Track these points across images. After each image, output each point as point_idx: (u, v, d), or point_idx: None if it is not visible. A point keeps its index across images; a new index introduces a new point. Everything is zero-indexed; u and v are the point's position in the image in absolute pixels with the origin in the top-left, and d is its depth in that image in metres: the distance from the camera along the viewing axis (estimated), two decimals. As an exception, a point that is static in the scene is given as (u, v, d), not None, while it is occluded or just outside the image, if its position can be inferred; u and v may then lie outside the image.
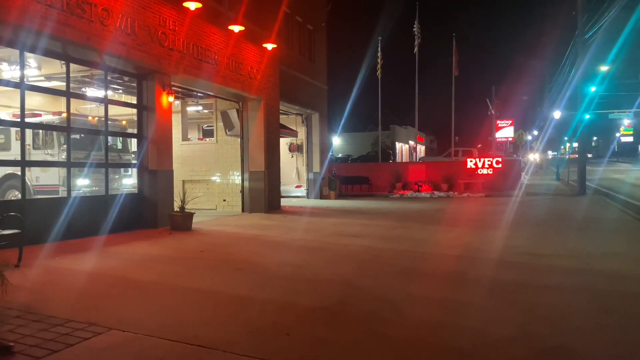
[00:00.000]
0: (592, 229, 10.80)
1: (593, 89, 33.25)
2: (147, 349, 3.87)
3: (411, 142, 53.30)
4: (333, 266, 7.04)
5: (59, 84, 11.17)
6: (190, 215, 10.38)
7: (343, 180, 22.91)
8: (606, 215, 13.00)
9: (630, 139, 77.07)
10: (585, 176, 20.73)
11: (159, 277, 6.24)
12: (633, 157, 79.11)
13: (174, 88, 11.46)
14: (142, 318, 4.59)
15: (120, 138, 12.94)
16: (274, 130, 15.49)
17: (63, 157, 10.51)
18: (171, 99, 10.81)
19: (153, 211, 10.42)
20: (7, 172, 11.09)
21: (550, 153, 76.57)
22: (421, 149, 59.67)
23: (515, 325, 4.46)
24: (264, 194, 14.47)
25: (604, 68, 33.45)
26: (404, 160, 47.68)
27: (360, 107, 45.53)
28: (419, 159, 43.61)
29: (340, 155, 42.17)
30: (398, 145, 50.58)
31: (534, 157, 50.36)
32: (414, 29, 29.47)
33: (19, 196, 9.76)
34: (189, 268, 6.86)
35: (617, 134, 76.55)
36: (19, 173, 9.13)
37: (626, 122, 66.40)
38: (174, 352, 3.82)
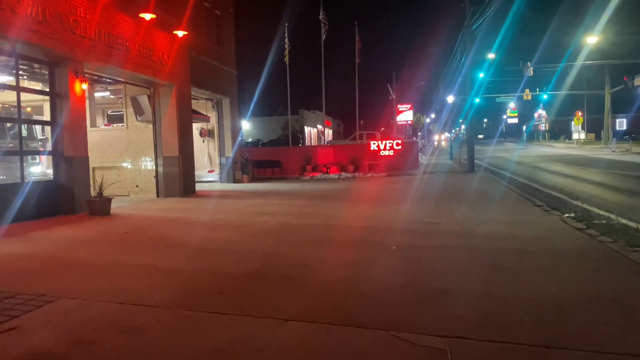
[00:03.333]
0: (476, 200, 12.37)
1: (481, 75, 36.44)
2: (100, 310, 4.46)
3: (319, 126, 54.70)
4: (253, 240, 7.83)
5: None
6: (109, 200, 10.62)
7: (255, 164, 23.55)
8: (489, 189, 14.85)
9: (516, 120, 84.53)
10: (474, 155, 23.03)
11: (91, 256, 6.68)
12: (518, 137, 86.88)
13: (86, 75, 11.48)
14: (86, 288, 5.11)
15: (25, 125, 12.67)
16: (187, 116, 15.80)
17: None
18: (84, 86, 10.88)
19: (70, 197, 10.53)
20: None
21: (446, 135, 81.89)
22: (329, 133, 61.39)
23: (405, 275, 5.53)
24: (179, 179, 14.81)
25: (490, 56, 36.71)
26: (313, 144, 49.00)
27: (269, 92, 46.16)
28: (327, 143, 45.08)
29: (250, 139, 42.51)
30: (307, 129, 51.81)
31: (437, 140, 53.51)
32: (320, 16, 30.44)
33: None
34: (118, 247, 7.33)
35: (504, 116, 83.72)
36: None
37: (512, 105, 72.95)
38: (125, 311, 4.44)
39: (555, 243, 7.06)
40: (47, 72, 10.57)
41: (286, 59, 30.18)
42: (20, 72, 11.38)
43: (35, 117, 13.88)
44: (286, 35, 30.18)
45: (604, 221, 9.06)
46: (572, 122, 61.71)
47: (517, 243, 7.12)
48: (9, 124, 12.37)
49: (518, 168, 23.86)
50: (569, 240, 7.24)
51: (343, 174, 23.04)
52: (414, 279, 5.40)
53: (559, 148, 48.71)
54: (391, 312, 4.37)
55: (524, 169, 23.14)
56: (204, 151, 21.41)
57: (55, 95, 10.53)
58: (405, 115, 44.77)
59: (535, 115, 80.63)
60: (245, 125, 42.24)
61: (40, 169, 13.49)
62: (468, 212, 10.37)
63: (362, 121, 46.25)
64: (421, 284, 5.21)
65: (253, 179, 21.69)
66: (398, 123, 45.39)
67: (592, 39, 38.32)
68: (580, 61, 42.88)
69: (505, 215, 9.72)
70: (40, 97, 11.66)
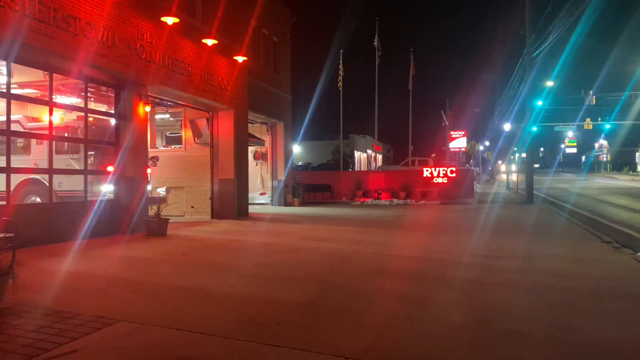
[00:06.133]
0: (538, 234, 11.79)
1: (540, 103, 35.33)
2: (157, 336, 4.39)
3: (369, 151, 54.59)
4: (307, 266, 7.67)
5: (31, 92, 11.40)
6: (166, 221, 10.78)
7: (306, 187, 23.57)
8: (551, 222, 14.16)
9: (574, 150, 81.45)
10: (533, 186, 22.17)
11: (148, 277, 6.71)
12: (577, 168, 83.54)
13: (149, 97, 11.84)
14: (143, 311, 5.09)
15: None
16: (243, 139, 16.02)
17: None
18: (148, 108, 11.22)
19: (129, 217, 10.77)
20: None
21: (500, 164, 79.73)
22: (379, 158, 61.09)
23: (468, 314, 5.19)
24: (234, 201, 14.95)
25: (549, 83, 35.62)
26: (362, 169, 48.81)
27: (320, 116, 46.54)
28: (378, 168, 44.81)
29: (300, 163, 42.80)
30: (357, 153, 51.75)
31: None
32: (374, 43, 30.57)
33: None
34: (175, 269, 7.35)
35: (562, 145, 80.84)
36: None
37: (570, 134, 70.37)
38: (181, 338, 4.35)
39: (631, 284, 6.54)
40: (112, 95, 10.97)
41: (340, 85, 30.37)
42: (88, 94, 11.92)
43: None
44: (340, 61, 30.44)
45: (683, 262, 8.37)
46: (637, 154, 58.74)
47: (588, 283, 6.64)
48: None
49: (580, 200, 22.76)
50: (648, 282, 6.69)
51: (394, 200, 22.68)
52: (479, 318, 5.06)
53: (622, 180, 46.40)
54: (458, 355, 4.08)
55: (587, 202, 22.04)
56: (256, 174, 21.64)
57: (120, 117, 10.91)
58: (459, 142, 43.96)
59: (596, 145, 77.41)
60: (296, 148, 42.58)
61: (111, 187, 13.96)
62: (530, 245, 9.87)
63: (412, 147, 45.78)
64: (488, 324, 4.87)
65: (303, 203, 21.68)
66: (451, 150, 44.59)
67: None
68: (647, 90, 40.95)
69: (570, 251, 9.18)
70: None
